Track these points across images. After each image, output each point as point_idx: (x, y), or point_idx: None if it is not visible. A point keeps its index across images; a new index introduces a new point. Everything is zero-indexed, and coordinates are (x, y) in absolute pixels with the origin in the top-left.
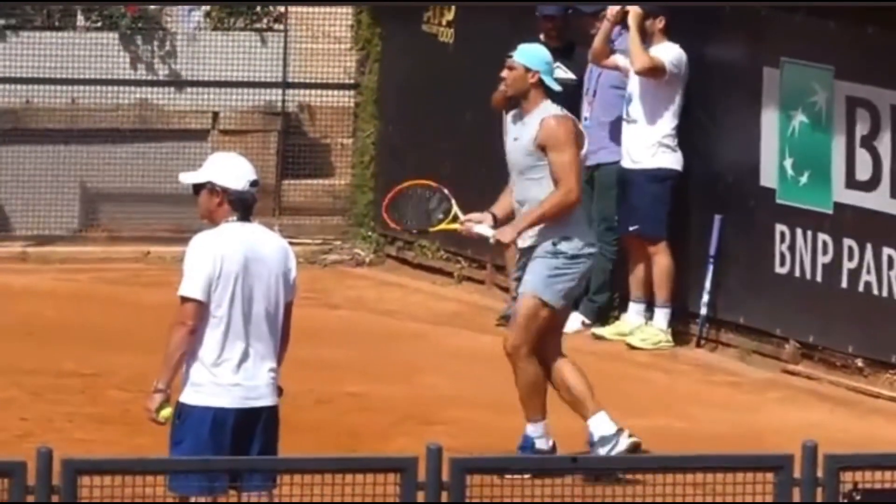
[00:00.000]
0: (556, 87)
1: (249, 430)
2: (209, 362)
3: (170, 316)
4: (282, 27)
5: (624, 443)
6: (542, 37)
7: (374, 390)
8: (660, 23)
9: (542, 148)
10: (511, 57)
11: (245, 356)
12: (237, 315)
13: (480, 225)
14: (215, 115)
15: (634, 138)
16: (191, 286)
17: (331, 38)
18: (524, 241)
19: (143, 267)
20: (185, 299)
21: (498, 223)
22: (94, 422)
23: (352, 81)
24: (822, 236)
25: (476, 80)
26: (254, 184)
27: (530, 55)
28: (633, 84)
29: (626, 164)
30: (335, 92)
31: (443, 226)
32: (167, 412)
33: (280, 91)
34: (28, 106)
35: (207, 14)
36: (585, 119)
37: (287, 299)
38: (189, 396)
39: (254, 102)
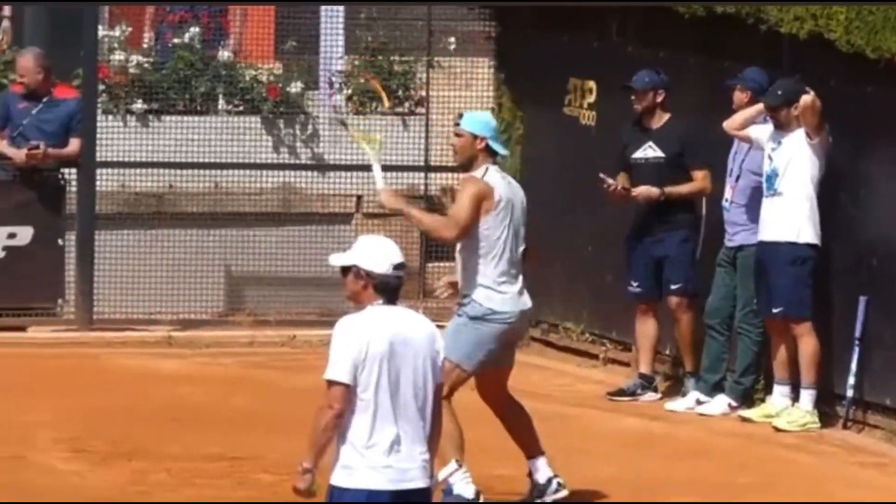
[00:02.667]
0: (503, 152)
1: None
2: (360, 445)
3: (316, 399)
4: (423, 111)
5: None
6: (636, 108)
7: (522, 472)
8: (795, 111)
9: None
10: (458, 125)
11: (396, 439)
12: (384, 398)
13: (379, 172)
14: (359, 198)
15: (778, 213)
16: (336, 370)
17: None
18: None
19: (288, 350)
20: (331, 383)
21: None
22: None
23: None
24: None
25: (617, 163)
26: (398, 267)
27: (476, 122)
28: (781, 157)
29: (767, 237)
30: None
31: (364, 140)
32: (319, 489)
33: (423, 174)
34: (171, 190)
35: (349, 98)
36: (726, 201)
37: (436, 381)
38: (341, 479)
39: (396, 185)
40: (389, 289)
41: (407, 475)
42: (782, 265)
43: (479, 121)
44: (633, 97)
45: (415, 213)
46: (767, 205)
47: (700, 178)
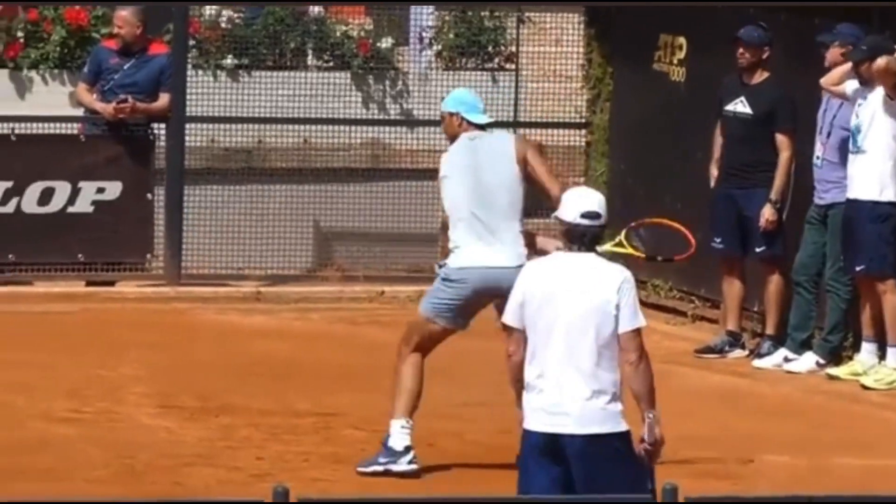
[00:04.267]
0: (481, 121)
1: (559, 456)
2: (526, 387)
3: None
4: (513, 67)
5: (402, 466)
6: (740, 61)
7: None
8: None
9: None
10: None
11: (551, 383)
12: (542, 342)
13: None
14: None
15: (861, 170)
16: (506, 313)
17: (561, 77)
18: None
19: (376, 306)
20: (504, 326)
21: None
22: (330, 461)
23: (583, 120)
24: None
25: (707, 119)
26: (587, 215)
27: (449, 101)
28: (865, 114)
29: (851, 195)
30: (566, 131)
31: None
32: None
33: (511, 130)
34: (260, 146)
35: (438, 54)
36: (817, 158)
37: (611, 329)
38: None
39: None
40: (575, 236)
41: (557, 419)
42: (865, 223)
43: (452, 99)
44: (740, 49)
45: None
46: (852, 161)
47: (781, 142)
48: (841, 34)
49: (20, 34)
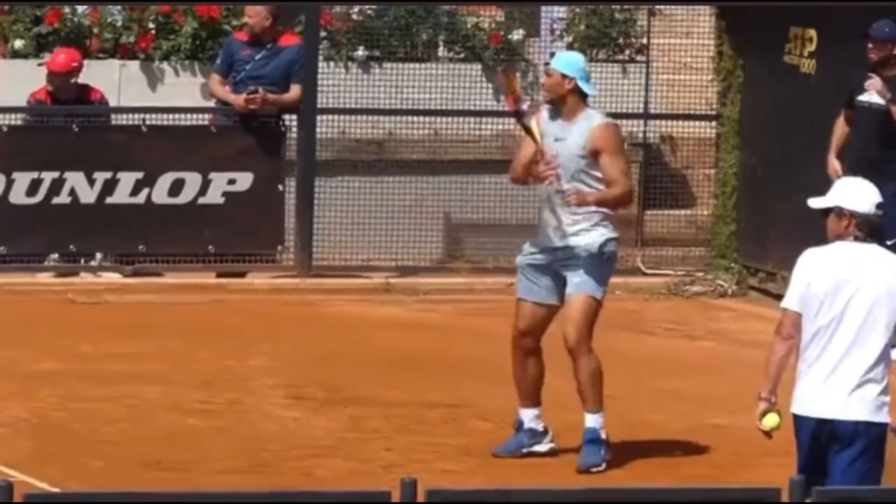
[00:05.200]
0: (592, 92)
1: (825, 442)
2: (801, 373)
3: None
4: (644, 58)
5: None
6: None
7: (738, 422)
8: None
9: (595, 153)
10: (548, 65)
11: (828, 370)
12: (822, 329)
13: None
14: None
15: None
16: (788, 297)
17: (692, 69)
18: (555, 242)
19: (506, 297)
20: (783, 309)
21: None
22: (458, 453)
23: (713, 112)
24: None
25: (837, 112)
26: (879, 206)
27: (566, 62)
28: None
29: None
30: (697, 123)
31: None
32: (771, 421)
33: (642, 122)
34: (391, 137)
35: (570, 45)
36: None
37: (893, 319)
38: (793, 405)
39: None
40: (871, 226)
41: (827, 404)
42: None
43: (569, 61)
44: (869, 45)
45: (608, 197)
46: None
47: None
48: None
49: (151, 26)
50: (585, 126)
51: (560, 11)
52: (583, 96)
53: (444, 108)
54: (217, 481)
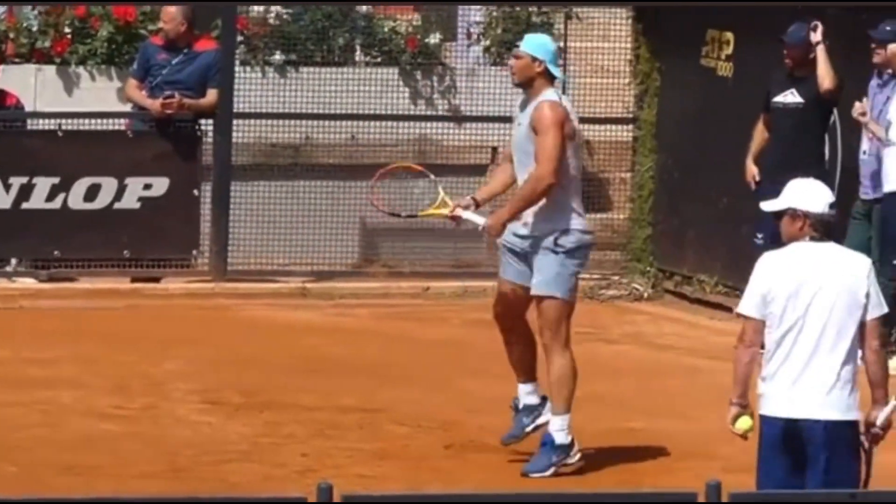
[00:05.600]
0: (560, 76)
1: (798, 444)
2: (766, 374)
3: (446, 352)
4: (561, 62)
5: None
6: (787, 62)
7: (654, 425)
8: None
9: (535, 132)
10: (518, 47)
11: (796, 371)
12: (788, 331)
13: (468, 211)
14: (494, 150)
15: (891, 163)
16: (745, 304)
17: (609, 73)
18: (520, 230)
19: (422, 302)
20: (743, 317)
21: (479, 208)
22: (374, 457)
23: (630, 115)
24: None
25: (754, 115)
26: (833, 206)
27: (536, 45)
28: (892, 107)
29: (886, 188)
30: (613, 126)
31: (430, 210)
32: (744, 423)
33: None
34: (307, 142)
35: (486, 49)
36: (863, 153)
37: (859, 317)
38: (759, 407)
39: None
40: (825, 225)
41: (798, 404)
42: None
43: (539, 44)
44: (784, 50)
45: (514, 206)
46: (886, 154)
47: None
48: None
49: (67, 30)
50: (533, 107)
51: (477, 15)
52: (550, 79)
53: (361, 112)
54: (131, 486)
